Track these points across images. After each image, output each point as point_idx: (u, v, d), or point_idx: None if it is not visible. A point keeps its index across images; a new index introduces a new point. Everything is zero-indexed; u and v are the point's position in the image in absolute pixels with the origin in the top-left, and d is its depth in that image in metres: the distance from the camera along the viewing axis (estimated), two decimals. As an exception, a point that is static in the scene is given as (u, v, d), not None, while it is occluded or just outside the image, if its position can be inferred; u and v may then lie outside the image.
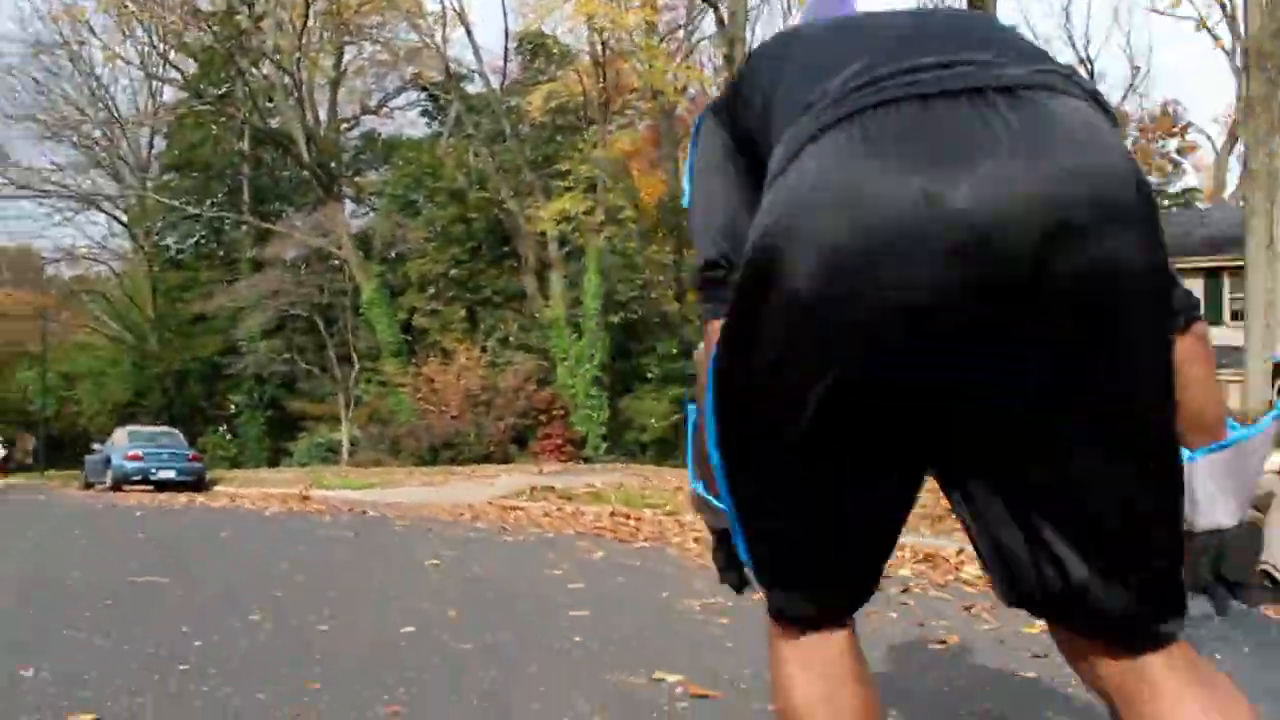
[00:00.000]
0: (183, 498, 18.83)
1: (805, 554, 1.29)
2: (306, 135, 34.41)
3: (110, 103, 40.47)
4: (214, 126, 38.00)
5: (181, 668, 3.68)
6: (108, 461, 23.55)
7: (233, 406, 38.56)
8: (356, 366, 33.44)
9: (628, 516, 10.85)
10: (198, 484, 22.96)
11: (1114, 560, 1.15)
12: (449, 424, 30.86)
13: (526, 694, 3.33)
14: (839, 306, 1.08)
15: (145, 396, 40.80)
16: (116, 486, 22.42)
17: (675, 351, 31.70)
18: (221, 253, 41.77)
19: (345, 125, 41.98)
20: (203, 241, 41.98)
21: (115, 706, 3.15)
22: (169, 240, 40.94)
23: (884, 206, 1.04)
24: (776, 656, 1.35)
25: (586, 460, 29.21)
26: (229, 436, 38.99)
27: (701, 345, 1.42)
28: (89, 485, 25.05)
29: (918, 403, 1.15)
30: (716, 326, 1.28)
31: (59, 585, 6.00)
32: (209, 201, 38.83)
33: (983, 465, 1.20)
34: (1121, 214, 1.05)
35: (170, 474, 22.89)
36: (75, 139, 40.74)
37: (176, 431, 26.53)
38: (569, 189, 31.35)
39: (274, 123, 37.24)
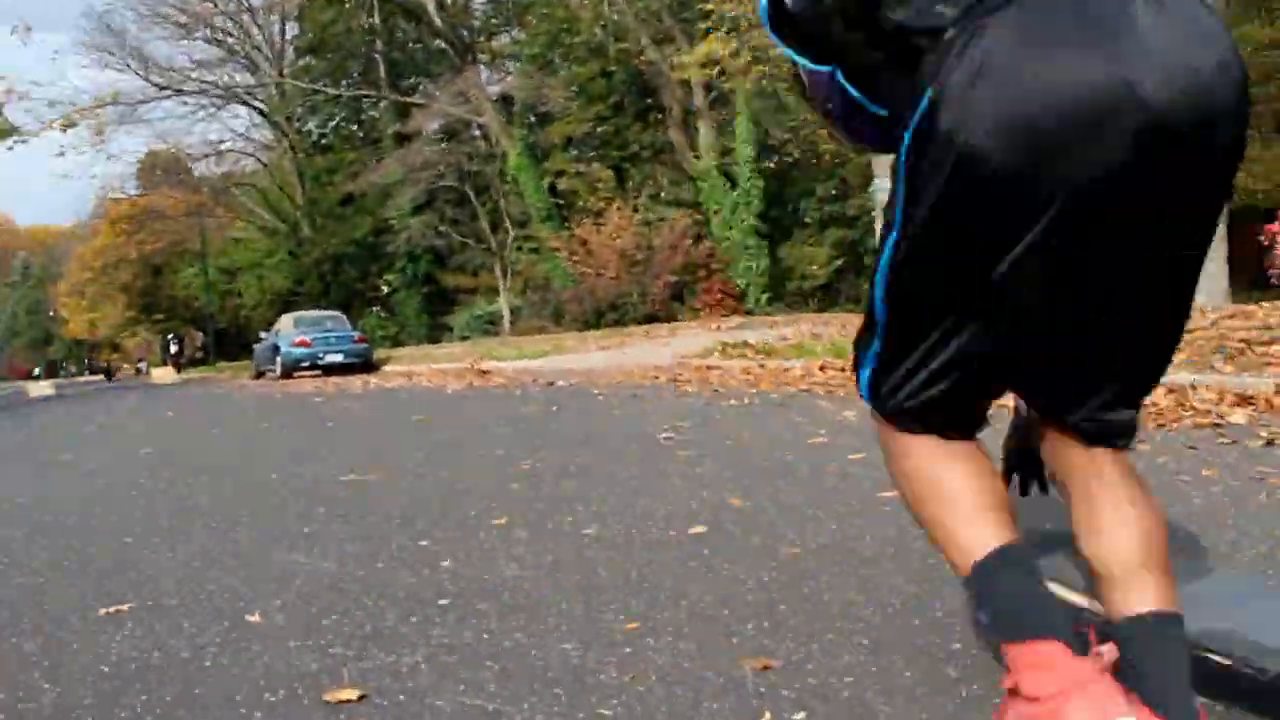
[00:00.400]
0: (356, 381, 18.56)
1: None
2: (437, 1, 33.35)
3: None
4: (344, 3, 37.22)
5: (441, 602, 2.75)
6: (275, 350, 23.57)
7: (386, 286, 38.64)
8: (510, 234, 32.87)
9: (843, 369, 9.75)
10: (366, 365, 22.82)
11: (1143, 388, 1.49)
12: (609, 285, 30.12)
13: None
14: (1036, 182, 1.21)
15: (303, 283, 41.27)
16: (286, 374, 22.51)
17: (835, 193, 30.16)
18: (362, 133, 41.46)
19: (474, -14, 40.78)
20: (343, 123, 41.72)
21: (379, 671, 2.23)
22: (310, 125, 40.75)
23: (1075, 88, 1.17)
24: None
25: (749, 313, 28.21)
26: (385, 316, 39.22)
27: None
28: (259, 374, 25.31)
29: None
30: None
31: (264, 489, 5.22)
32: (344, 82, 38.31)
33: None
34: (1244, 98, 1.22)
35: (338, 357, 22.73)
36: (209, 33, 40.59)
37: (340, 314, 26.42)
38: (711, 31, 29.64)
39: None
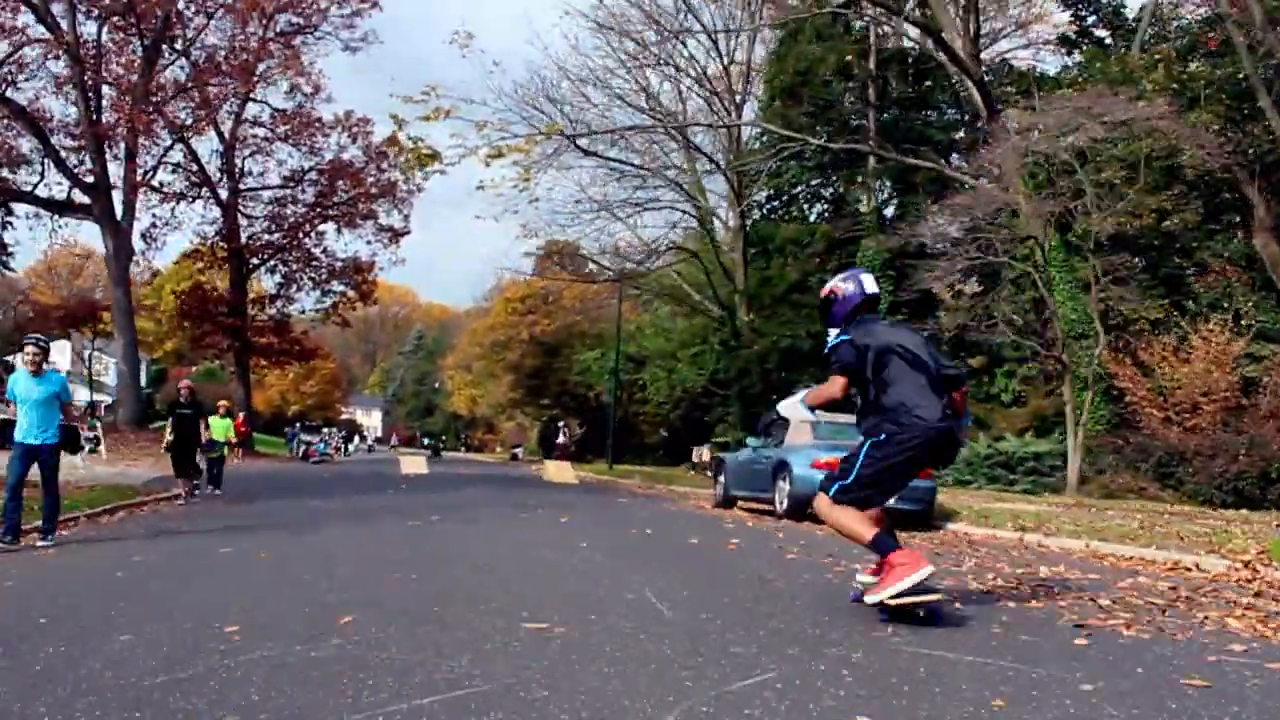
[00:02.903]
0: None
1: (884, 493, 5.49)
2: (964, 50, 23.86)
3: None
4: (836, 39, 28.54)
5: None
6: (781, 469, 13.62)
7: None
8: (1058, 346, 22.14)
9: None
10: (925, 515, 12.71)
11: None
12: (1183, 437, 19.56)
13: None
14: (925, 438, 5.27)
15: (743, 378, 32.15)
16: (797, 509, 12.69)
17: None
18: (829, 206, 32.48)
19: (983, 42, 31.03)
20: (806, 192, 32.86)
21: None
22: (760, 195, 32.01)
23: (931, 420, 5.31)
24: (842, 514, 5.40)
25: None
26: None
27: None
28: (728, 501, 15.59)
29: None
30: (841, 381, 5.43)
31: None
32: (820, 138, 29.44)
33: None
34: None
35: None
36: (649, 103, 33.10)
37: None
38: None
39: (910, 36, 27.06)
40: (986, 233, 24.02)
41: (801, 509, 12.68)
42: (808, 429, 13.54)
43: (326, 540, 8.61)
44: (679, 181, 36.58)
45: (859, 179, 30.18)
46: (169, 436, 14.60)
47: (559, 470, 25.66)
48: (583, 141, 32.78)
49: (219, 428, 17.37)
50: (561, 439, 37.40)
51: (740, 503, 15.26)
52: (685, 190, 39.93)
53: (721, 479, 15.72)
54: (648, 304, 44.37)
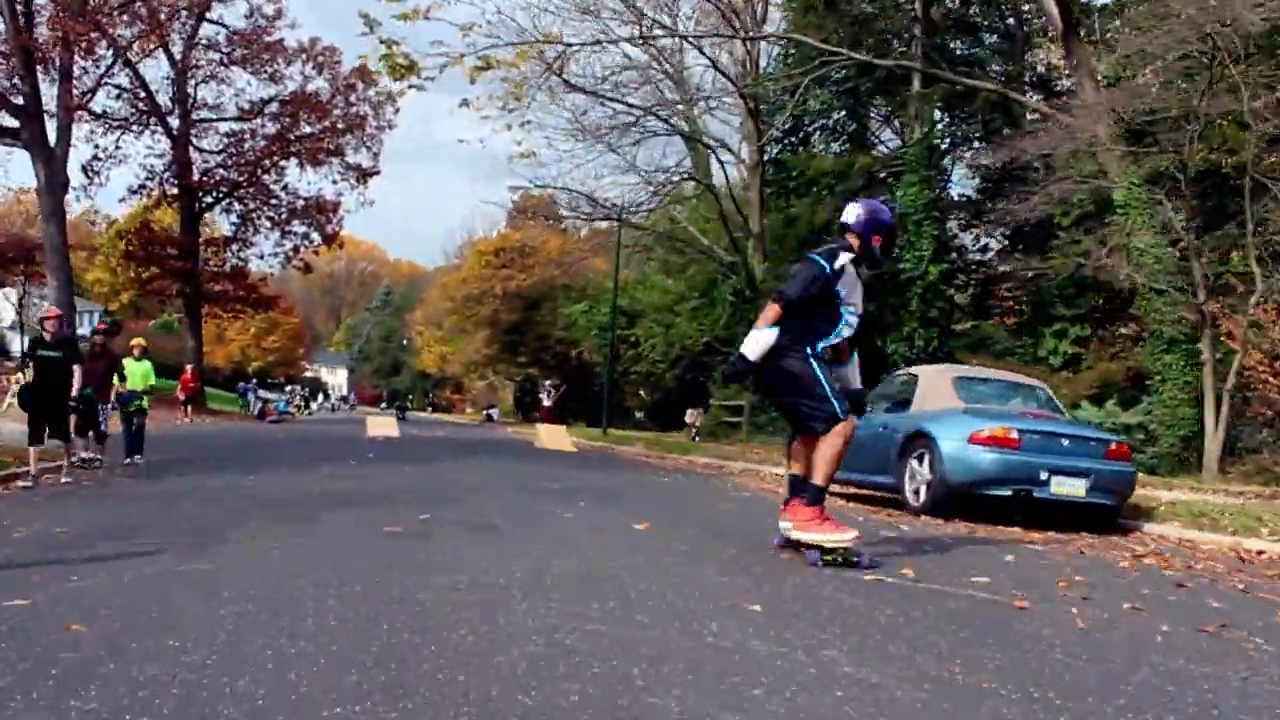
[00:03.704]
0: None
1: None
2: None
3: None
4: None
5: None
6: (916, 444, 9.29)
7: (898, 351, 24.86)
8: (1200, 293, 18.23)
9: None
10: (1112, 513, 8.83)
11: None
12: None
13: None
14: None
15: (740, 337, 28.23)
16: (949, 497, 8.80)
17: None
18: (847, 141, 28.37)
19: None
20: (838, 123, 28.69)
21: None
22: (779, 126, 27.64)
23: None
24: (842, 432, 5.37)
25: None
26: None
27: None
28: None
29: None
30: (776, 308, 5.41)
31: None
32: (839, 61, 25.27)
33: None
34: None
35: (1076, 485, 8.55)
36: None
37: (1043, 386, 11.76)
38: None
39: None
40: (1065, 169, 20.26)
41: (951, 503, 8.75)
42: (949, 387, 9.59)
43: (228, 581, 4.54)
44: (676, 120, 32.48)
45: (901, 108, 26.08)
46: (16, 385, 10.39)
47: (553, 435, 21.66)
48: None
49: (137, 374, 13.17)
50: (547, 400, 33.27)
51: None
52: (688, 128, 35.87)
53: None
54: (634, 259, 40.14)
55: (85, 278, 78.18)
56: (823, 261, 5.38)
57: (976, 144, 26.75)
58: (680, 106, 29.94)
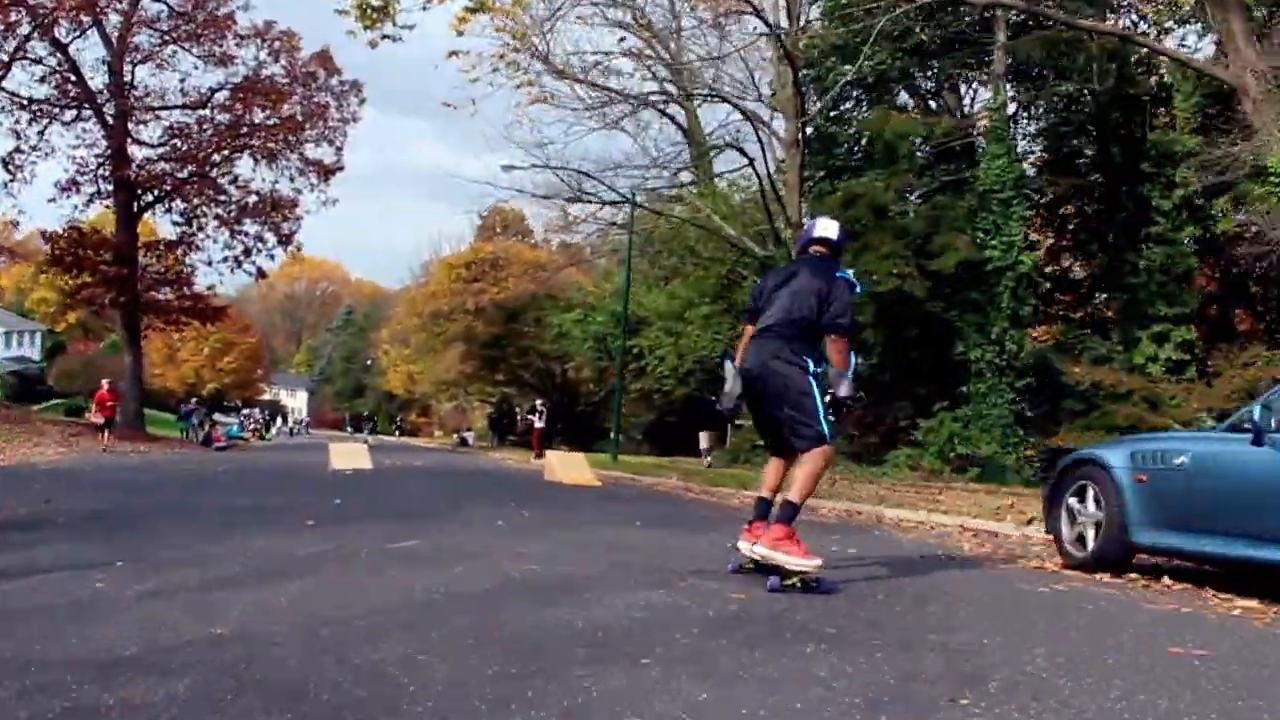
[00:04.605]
0: None
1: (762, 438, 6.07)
2: None
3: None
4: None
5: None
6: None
7: (978, 356, 20.23)
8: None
9: None
10: None
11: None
12: None
13: None
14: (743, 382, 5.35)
15: None
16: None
17: None
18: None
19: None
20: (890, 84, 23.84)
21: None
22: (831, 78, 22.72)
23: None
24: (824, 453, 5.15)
25: None
26: (962, 420, 20.31)
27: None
28: (1121, 551, 6.22)
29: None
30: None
31: None
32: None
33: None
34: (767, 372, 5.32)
35: None
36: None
37: None
38: None
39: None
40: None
41: None
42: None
43: None
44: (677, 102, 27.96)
45: (976, 68, 21.48)
46: None
47: (569, 466, 16.66)
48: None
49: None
50: (539, 423, 28.30)
51: (1144, 555, 6.33)
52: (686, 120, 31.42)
53: (1102, 502, 6.30)
54: (621, 268, 35.27)
55: (31, 296, 72.44)
56: (854, 280, 5.40)
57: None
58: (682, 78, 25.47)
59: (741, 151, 23.77)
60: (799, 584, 4.87)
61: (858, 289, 5.36)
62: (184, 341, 77.58)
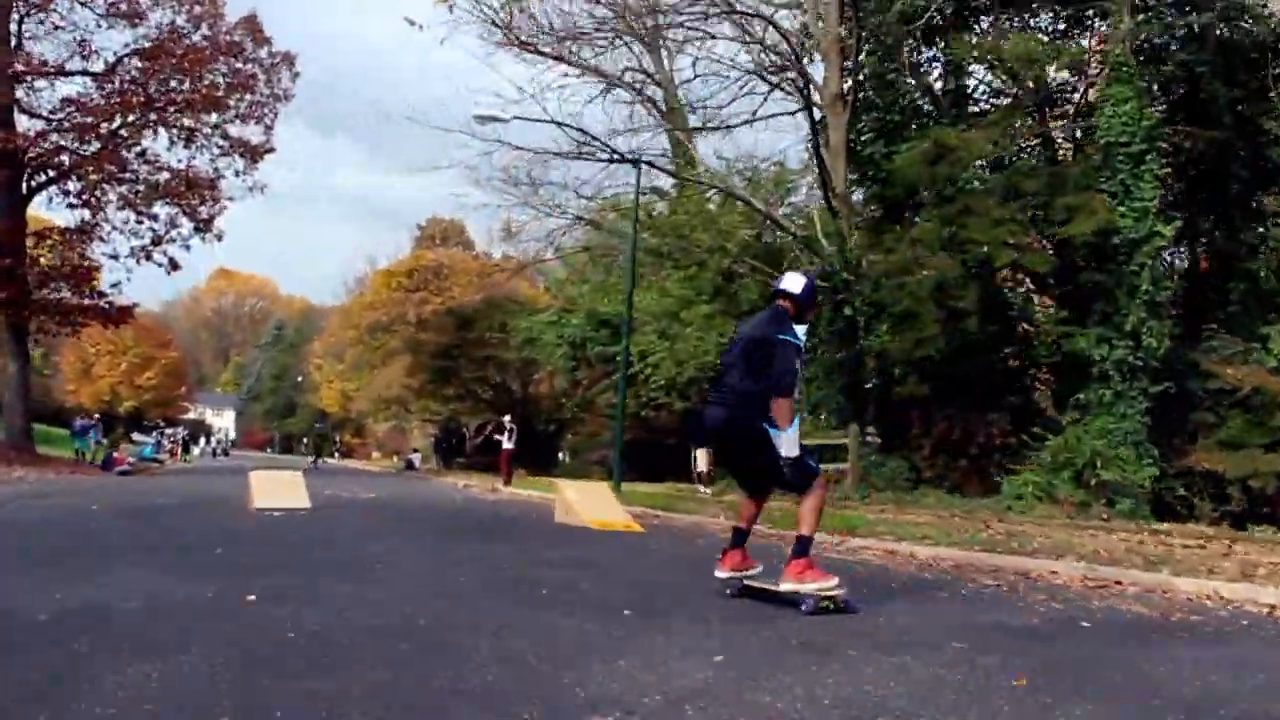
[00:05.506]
0: None
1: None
2: None
3: None
4: None
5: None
6: None
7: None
8: None
9: None
10: None
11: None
12: None
13: None
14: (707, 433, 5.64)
15: (816, 348, 18.47)
16: None
17: None
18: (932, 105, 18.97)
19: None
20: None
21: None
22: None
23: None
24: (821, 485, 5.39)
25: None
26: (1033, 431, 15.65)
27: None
28: None
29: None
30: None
31: None
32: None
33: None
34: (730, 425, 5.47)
35: None
36: None
37: None
38: None
39: None
40: None
41: None
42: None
43: None
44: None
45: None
46: None
47: (591, 503, 11.60)
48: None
49: None
50: (508, 443, 23.16)
51: None
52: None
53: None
54: (601, 263, 30.18)
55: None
56: (795, 340, 5.28)
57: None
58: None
59: (799, 89, 18.73)
60: (832, 605, 5.17)
61: (797, 344, 5.24)
62: (99, 356, 70.86)
